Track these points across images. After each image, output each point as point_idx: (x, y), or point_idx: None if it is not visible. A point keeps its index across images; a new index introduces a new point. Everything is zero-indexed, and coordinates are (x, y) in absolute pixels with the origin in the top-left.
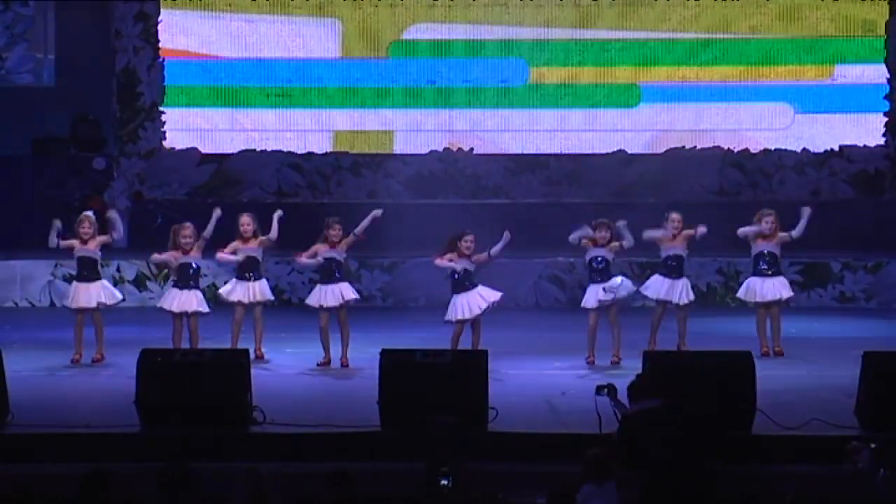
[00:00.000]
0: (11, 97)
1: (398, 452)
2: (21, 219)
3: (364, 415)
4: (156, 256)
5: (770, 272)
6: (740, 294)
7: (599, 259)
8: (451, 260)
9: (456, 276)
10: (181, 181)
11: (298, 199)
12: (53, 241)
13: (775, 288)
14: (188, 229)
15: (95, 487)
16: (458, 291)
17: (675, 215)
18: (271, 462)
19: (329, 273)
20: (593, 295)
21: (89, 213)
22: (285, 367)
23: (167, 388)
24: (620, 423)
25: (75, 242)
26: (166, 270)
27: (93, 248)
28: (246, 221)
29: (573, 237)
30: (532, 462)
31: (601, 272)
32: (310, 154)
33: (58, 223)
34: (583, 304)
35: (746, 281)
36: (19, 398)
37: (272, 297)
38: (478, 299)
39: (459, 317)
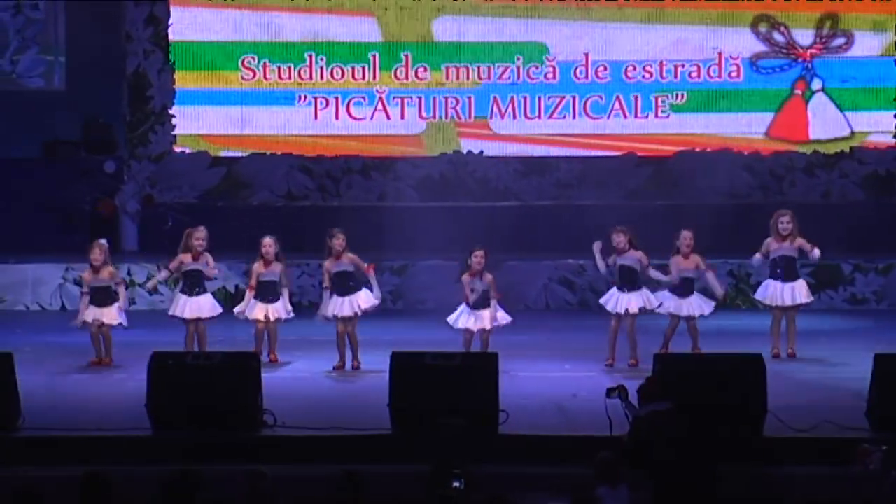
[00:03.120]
0: (22, 100)
1: (409, 455)
2: (32, 222)
3: (375, 417)
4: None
5: (789, 276)
6: (758, 296)
7: (628, 267)
8: (467, 282)
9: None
10: (191, 184)
11: (308, 203)
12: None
13: (795, 292)
14: (201, 232)
15: (91, 491)
16: (469, 306)
17: (686, 233)
18: (282, 465)
19: (343, 285)
20: (617, 300)
21: (103, 241)
22: (296, 370)
23: (178, 392)
24: (631, 425)
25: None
26: (175, 275)
27: (105, 277)
28: (268, 243)
29: (604, 271)
30: (543, 465)
31: (629, 279)
32: (319, 157)
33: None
34: (608, 307)
35: (765, 283)
36: (31, 401)
37: (291, 314)
38: (485, 318)
39: (461, 325)
